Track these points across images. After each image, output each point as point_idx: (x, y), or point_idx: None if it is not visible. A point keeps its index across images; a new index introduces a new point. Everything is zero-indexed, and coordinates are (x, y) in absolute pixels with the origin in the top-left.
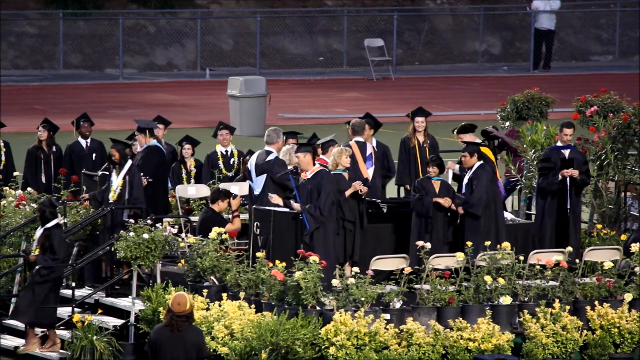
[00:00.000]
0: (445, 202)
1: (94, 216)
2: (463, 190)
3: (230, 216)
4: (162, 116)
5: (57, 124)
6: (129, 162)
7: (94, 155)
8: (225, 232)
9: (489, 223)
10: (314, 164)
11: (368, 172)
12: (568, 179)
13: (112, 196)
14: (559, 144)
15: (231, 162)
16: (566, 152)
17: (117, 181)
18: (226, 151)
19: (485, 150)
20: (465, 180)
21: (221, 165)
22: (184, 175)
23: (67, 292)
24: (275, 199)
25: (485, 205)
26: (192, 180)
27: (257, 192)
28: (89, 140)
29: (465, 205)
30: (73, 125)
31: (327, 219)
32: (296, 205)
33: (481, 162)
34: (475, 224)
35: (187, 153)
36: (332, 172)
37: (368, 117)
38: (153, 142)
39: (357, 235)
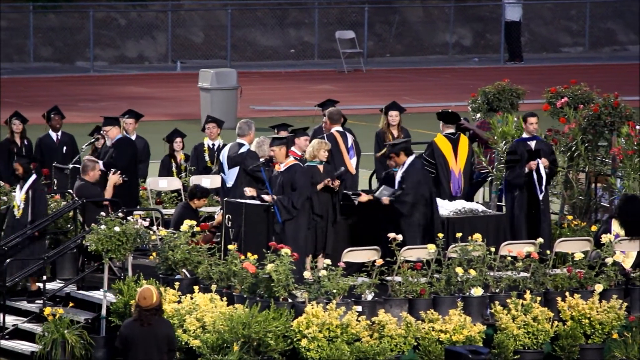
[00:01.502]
0: (363, 198)
1: (64, 209)
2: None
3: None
4: (133, 110)
5: (28, 117)
6: (33, 177)
7: (64, 148)
8: (197, 225)
9: (420, 218)
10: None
11: (352, 162)
12: (542, 170)
13: (17, 212)
14: (524, 135)
15: (217, 156)
16: (532, 144)
17: (19, 196)
18: (213, 144)
19: (443, 142)
20: (398, 178)
21: (207, 158)
22: (174, 169)
23: (38, 285)
24: (250, 191)
25: (415, 201)
26: (183, 174)
27: (229, 184)
28: (59, 133)
29: (394, 200)
30: (44, 118)
31: (300, 213)
32: (267, 197)
33: (411, 158)
34: (408, 220)
35: (178, 147)
36: (306, 164)
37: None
38: (120, 135)
39: (329, 228)
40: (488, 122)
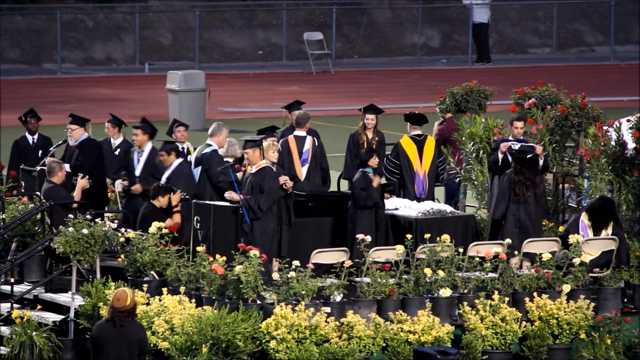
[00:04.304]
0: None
1: (32, 212)
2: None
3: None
4: (114, 115)
5: None
6: None
7: (39, 151)
8: (165, 227)
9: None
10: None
11: (303, 169)
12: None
13: None
14: (510, 138)
15: (188, 159)
16: (516, 146)
17: None
18: (182, 148)
19: (408, 143)
20: (164, 179)
21: None
22: None
23: (5, 288)
24: (230, 195)
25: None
26: None
27: None
28: (36, 136)
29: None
30: (20, 120)
31: (266, 215)
32: (236, 197)
33: (180, 160)
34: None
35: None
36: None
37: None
38: (85, 135)
39: (284, 230)
40: (456, 123)
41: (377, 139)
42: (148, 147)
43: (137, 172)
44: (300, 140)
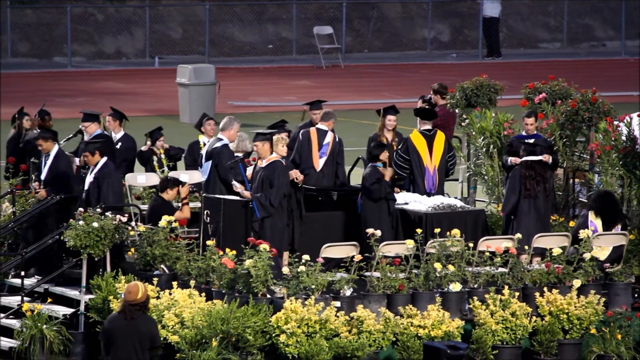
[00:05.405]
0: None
1: (42, 205)
2: (87, 186)
3: (179, 204)
4: (115, 108)
5: (5, 113)
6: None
7: None
8: (175, 221)
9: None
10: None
11: (320, 161)
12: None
13: None
14: (523, 133)
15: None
16: (531, 141)
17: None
18: (209, 142)
19: (418, 138)
20: (91, 179)
21: (203, 155)
22: (155, 162)
23: (16, 281)
24: (238, 187)
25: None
26: (165, 167)
27: (204, 177)
28: None
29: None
30: (36, 117)
31: (277, 211)
32: (246, 194)
33: (105, 158)
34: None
35: (160, 145)
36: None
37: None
38: (99, 131)
39: (295, 224)
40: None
41: (396, 140)
42: (54, 151)
43: (42, 177)
44: (322, 133)
